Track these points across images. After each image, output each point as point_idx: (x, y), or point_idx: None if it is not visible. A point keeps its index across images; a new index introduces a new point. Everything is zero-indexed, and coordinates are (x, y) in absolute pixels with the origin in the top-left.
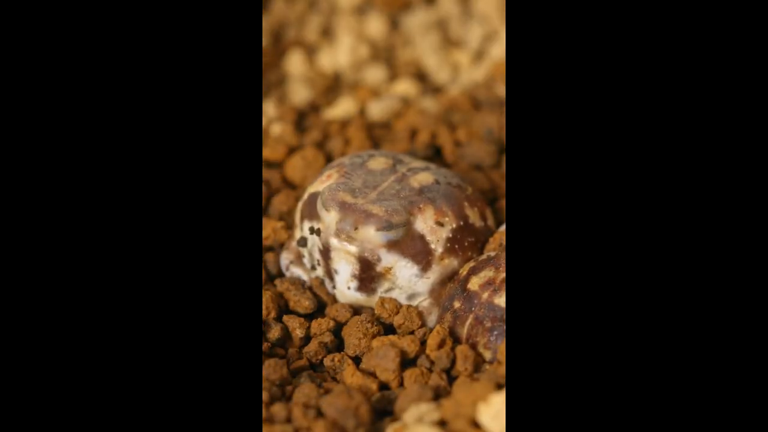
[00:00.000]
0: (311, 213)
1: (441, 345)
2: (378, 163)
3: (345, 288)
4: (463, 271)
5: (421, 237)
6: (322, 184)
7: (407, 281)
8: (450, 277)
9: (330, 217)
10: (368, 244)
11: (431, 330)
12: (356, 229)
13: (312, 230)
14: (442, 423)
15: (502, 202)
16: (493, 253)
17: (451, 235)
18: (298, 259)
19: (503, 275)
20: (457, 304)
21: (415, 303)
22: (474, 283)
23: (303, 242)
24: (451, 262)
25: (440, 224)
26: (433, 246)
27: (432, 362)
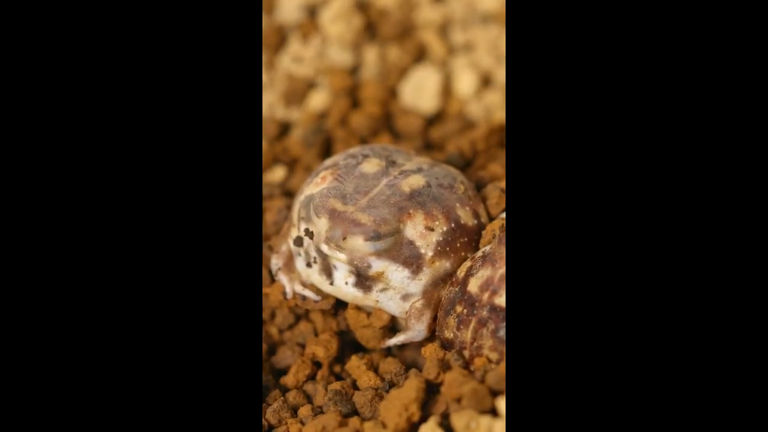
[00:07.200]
0: (307, 214)
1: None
2: (371, 165)
3: (343, 284)
4: (461, 273)
5: (411, 243)
6: (317, 186)
7: (400, 283)
8: (443, 278)
9: (320, 224)
10: (357, 252)
11: (421, 331)
12: (344, 239)
13: (306, 231)
14: (441, 423)
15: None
16: (487, 248)
17: (441, 239)
18: (287, 266)
19: (501, 272)
20: (458, 308)
21: (409, 303)
22: (473, 285)
23: (299, 242)
24: (443, 264)
25: (430, 229)
26: (423, 251)
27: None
